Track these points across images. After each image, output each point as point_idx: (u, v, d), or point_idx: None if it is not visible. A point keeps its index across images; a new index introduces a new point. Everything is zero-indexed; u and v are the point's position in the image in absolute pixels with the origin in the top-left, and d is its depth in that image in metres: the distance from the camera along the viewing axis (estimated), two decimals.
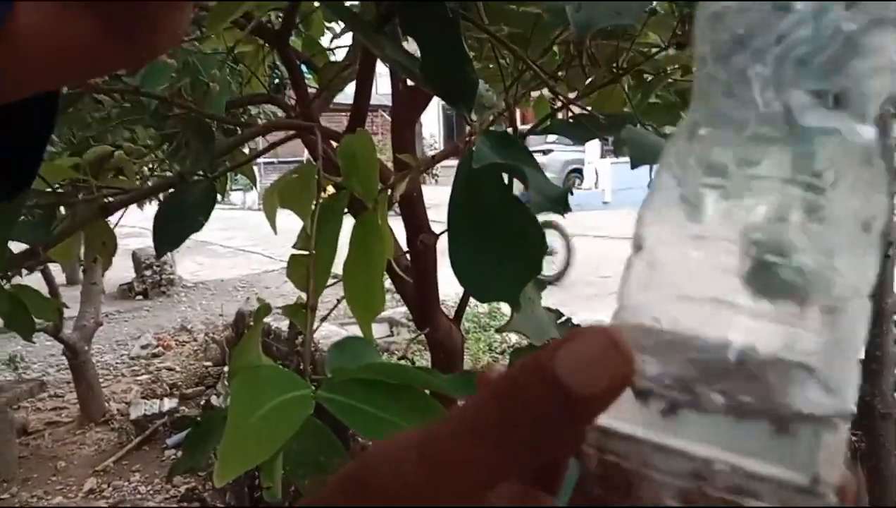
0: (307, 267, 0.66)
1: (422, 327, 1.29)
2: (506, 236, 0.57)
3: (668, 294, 0.21)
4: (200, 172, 0.83)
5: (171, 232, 0.82)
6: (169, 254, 8.18)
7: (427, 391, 0.62)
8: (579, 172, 15.87)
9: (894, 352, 1.35)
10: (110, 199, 0.99)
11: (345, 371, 0.61)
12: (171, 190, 0.84)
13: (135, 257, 7.93)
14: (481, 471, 0.19)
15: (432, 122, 13.11)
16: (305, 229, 0.68)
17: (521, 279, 0.56)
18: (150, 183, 1.53)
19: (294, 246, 0.71)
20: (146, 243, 8.27)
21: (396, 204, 1.08)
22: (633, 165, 0.90)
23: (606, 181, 14.54)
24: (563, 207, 0.56)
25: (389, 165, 1.04)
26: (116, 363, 5.38)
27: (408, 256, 1.17)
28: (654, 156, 0.89)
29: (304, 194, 0.70)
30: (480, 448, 0.19)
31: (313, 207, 0.70)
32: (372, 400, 0.57)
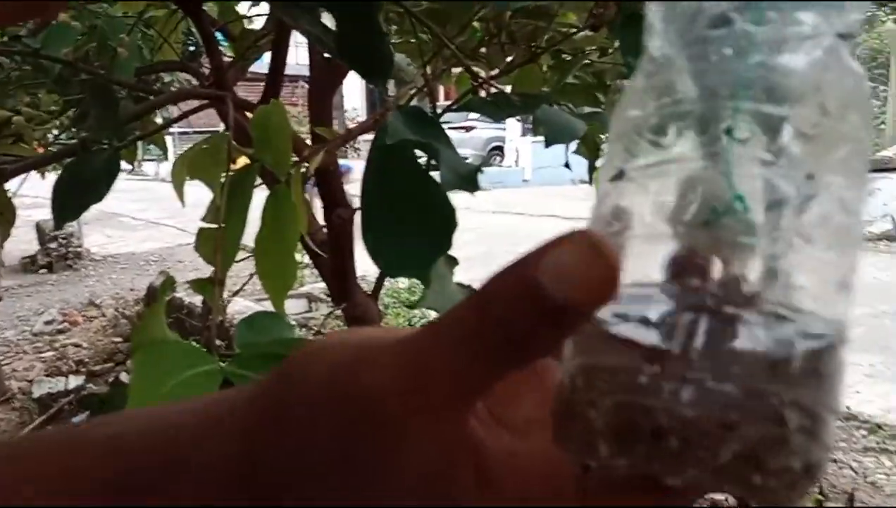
0: (216, 240, 0.65)
1: (339, 302, 1.29)
2: (417, 213, 0.58)
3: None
4: (104, 141, 0.80)
5: (71, 202, 0.79)
6: (76, 226, 7.83)
7: None
8: (500, 149, 16.04)
9: None
10: (7, 167, 0.94)
11: (254, 346, 0.60)
12: (73, 158, 0.80)
13: (38, 228, 7.55)
14: (460, 381, 0.19)
15: (355, 95, 12.96)
16: (215, 201, 0.66)
17: (431, 255, 0.57)
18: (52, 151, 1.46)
19: (203, 219, 0.69)
20: (50, 214, 7.84)
21: (313, 178, 1.07)
22: (547, 144, 0.91)
23: (526, 159, 14.75)
24: (473, 185, 0.56)
25: (310, 138, 1.03)
26: (18, 339, 5.13)
27: (325, 230, 1.16)
28: (567, 136, 0.91)
29: (214, 165, 0.68)
30: (460, 358, 0.19)
31: (223, 178, 0.68)
32: None
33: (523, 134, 14.68)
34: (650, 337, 0.19)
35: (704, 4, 0.20)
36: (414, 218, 0.58)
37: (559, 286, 0.17)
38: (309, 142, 0.94)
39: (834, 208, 0.20)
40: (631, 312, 0.19)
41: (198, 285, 0.66)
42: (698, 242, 0.20)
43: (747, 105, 0.19)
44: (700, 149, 0.20)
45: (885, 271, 6.18)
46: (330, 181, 1.02)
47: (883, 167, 8.91)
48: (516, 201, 11.13)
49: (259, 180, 0.86)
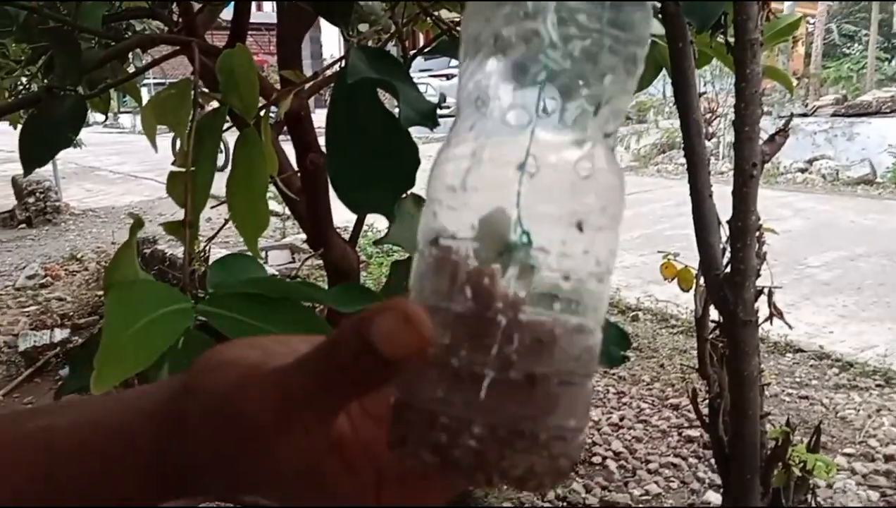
0: (185, 183, 0.66)
1: (316, 247, 1.30)
2: (380, 150, 0.59)
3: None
4: (70, 88, 0.80)
5: (37, 148, 0.79)
6: (53, 180, 7.73)
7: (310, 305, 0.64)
8: None
9: (754, 265, 1.46)
10: None
11: (226, 286, 0.62)
12: (38, 104, 0.80)
13: (15, 183, 7.44)
14: (316, 406, 0.26)
15: (332, 42, 12.71)
16: (182, 145, 0.67)
17: (395, 191, 0.59)
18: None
19: (173, 163, 0.70)
20: None
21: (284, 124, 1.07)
22: None
23: None
24: (432, 121, 0.58)
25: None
26: (0, 294, 5.12)
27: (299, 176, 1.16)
28: None
29: (181, 109, 0.69)
30: (315, 391, 0.26)
31: (191, 124, 0.69)
32: (253, 313, 0.59)
33: None
34: (452, 366, 0.25)
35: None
36: (377, 156, 0.59)
37: (384, 347, 0.24)
38: (279, 87, 0.94)
39: (595, 252, 0.27)
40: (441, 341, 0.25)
41: (170, 227, 0.67)
42: (495, 265, 0.26)
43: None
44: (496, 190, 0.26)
45: (862, 215, 6.26)
46: (301, 126, 1.03)
47: (862, 112, 8.94)
48: None
49: (231, 125, 0.86)
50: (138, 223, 0.59)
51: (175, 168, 0.69)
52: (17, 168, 5.86)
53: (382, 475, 0.29)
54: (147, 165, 10.45)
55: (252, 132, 0.72)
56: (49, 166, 7.93)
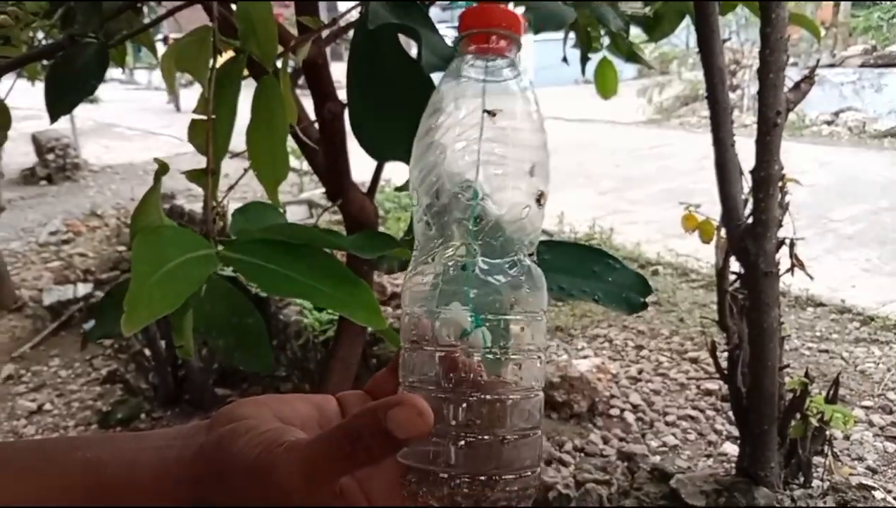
0: (207, 131, 0.66)
1: (334, 199, 1.30)
2: (401, 96, 0.59)
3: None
4: (91, 35, 0.79)
5: (63, 95, 0.79)
6: (71, 137, 7.77)
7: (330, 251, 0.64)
8: None
9: (776, 216, 1.45)
10: None
11: (249, 232, 0.62)
12: (61, 53, 0.80)
13: (35, 140, 7.49)
14: (335, 474, 0.34)
15: None
16: (203, 92, 0.67)
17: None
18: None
19: (194, 111, 0.70)
20: (46, 125, 7.78)
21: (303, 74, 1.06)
22: (535, 31, 0.91)
23: (529, 60, 14.39)
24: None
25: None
26: (24, 250, 5.19)
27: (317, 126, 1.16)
28: (555, 22, 0.90)
29: (201, 56, 0.68)
30: (337, 461, 0.33)
31: (210, 71, 0.69)
32: (275, 259, 0.59)
33: (524, 33, 14.25)
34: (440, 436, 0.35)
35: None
36: (398, 102, 0.59)
37: (399, 432, 0.32)
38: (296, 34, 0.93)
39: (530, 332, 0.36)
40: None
41: (192, 175, 0.67)
42: (455, 349, 0.35)
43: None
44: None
45: (888, 168, 6.15)
46: (319, 74, 1.02)
47: (892, 62, 8.69)
48: None
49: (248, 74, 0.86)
50: (163, 168, 0.60)
51: (196, 116, 0.68)
52: (36, 125, 5.89)
53: (373, 501, 0.39)
54: (164, 121, 10.46)
55: (271, 79, 0.72)
56: (67, 123, 7.96)
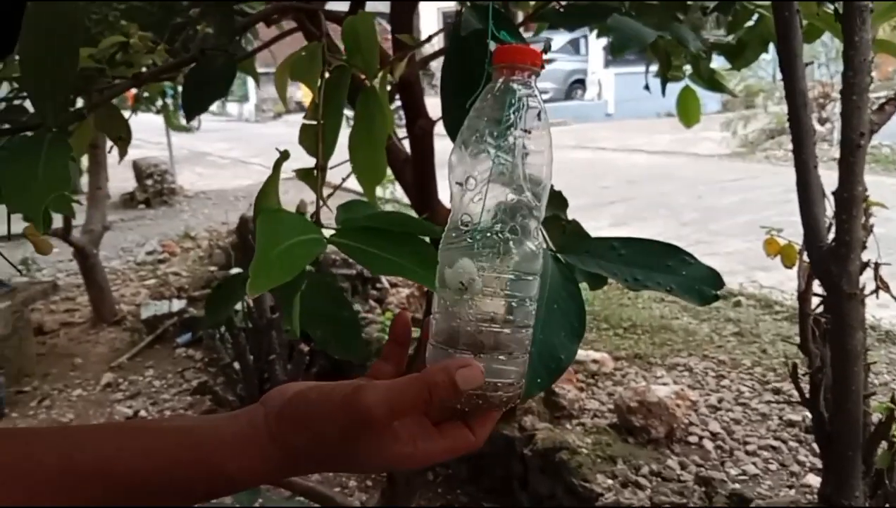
0: (316, 134, 0.74)
1: (420, 213, 1.37)
2: None
3: None
4: (223, 48, 0.90)
5: (197, 98, 0.90)
6: (168, 163, 8.22)
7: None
8: (582, 82, 15.47)
9: (860, 237, 1.43)
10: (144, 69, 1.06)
11: (353, 221, 0.69)
12: (194, 65, 0.91)
13: (136, 166, 7.98)
14: (407, 410, 0.45)
15: (431, 23, 12.82)
16: (313, 99, 0.75)
17: None
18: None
19: (304, 117, 0.78)
20: (146, 153, 8.33)
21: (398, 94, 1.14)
22: (614, 52, 0.96)
23: (610, 92, 14.23)
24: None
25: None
26: (124, 268, 5.52)
27: (406, 142, 1.24)
28: (636, 41, 0.95)
29: (312, 68, 0.77)
30: (413, 400, 0.44)
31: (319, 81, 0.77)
32: (378, 244, 0.66)
33: (606, 66, 14.03)
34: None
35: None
36: None
37: (463, 385, 0.44)
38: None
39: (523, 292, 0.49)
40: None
41: (302, 173, 0.75)
42: (458, 296, 0.47)
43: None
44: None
45: None
46: (412, 92, 1.10)
47: None
48: (599, 136, 10.89)
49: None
50: (284, 156, 0.68)
51: (306, 121, 0.77)
52: (138, 153, 6.25)
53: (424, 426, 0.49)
54: (253, 150, 10.93)
55: (373, 90, 0.80)
56: (165, 151, 8.44)
